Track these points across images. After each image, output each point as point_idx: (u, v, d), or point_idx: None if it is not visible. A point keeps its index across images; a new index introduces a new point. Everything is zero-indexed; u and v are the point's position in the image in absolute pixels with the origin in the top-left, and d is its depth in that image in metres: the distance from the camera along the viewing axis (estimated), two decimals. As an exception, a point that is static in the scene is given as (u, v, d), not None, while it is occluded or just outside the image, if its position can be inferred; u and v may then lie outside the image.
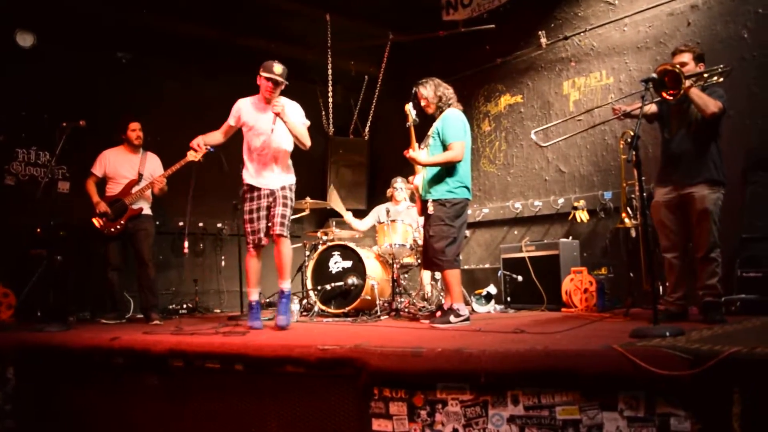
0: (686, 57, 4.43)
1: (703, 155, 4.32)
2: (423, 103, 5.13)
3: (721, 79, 4.36)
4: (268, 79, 4.82)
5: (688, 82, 4.09)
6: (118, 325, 5.70)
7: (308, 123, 5.10)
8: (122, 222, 6.01)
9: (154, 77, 7.78)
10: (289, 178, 5.10)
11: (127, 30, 7.46)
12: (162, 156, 6.40)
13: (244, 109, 5.04)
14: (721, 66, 4.39)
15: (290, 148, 5.08)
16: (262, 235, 4.94)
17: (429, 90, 5.08)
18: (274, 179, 4.99)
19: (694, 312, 4.55)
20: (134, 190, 6.09)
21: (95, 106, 6.91)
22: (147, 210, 6.22)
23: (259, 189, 4.97)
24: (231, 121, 5.08)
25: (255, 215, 4.95)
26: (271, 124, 4.81)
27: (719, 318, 4.10)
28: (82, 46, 7.26)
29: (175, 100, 7.85)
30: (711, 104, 4.20)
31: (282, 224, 4.90)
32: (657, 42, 6.34)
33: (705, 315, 4.21)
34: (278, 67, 4.82)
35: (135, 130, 6.23)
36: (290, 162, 5.14)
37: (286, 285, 5.01)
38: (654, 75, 4.06)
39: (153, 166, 6.31)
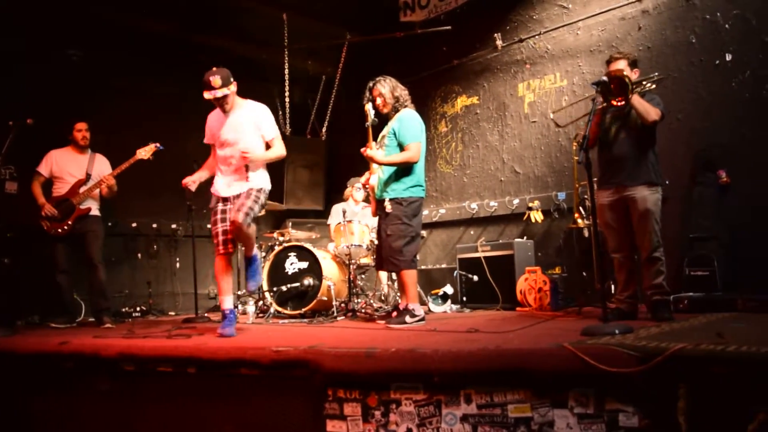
0: (622, 64, 4.52)
1: (642, 158, 4.43)
2: (379, 102, 5.09)
3: (654, 86, 4.50)
4: (208, 99, 4.62)
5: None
6: (68, 329, 5.55)
7: (277, 132, 4.90)
8: (69, 222, 5.84)
9: (105, 75, 7.59)
10: (261, 182, 4.81)
11: (78, 26, 7.28)
12: (114, 154, 6.24)
13: (211, 120, 4.90)
14: (657, 74, 4.57)
15: (261, 148, 4.83)
16: (228, 237, 4.66)
17: (386, 89, 5.05)
18: (244, 185, 4.75)
19: (644, 309, 4.65)
20: (82, 189, 5.94)
21: (45, 104, 6.71)
22: (95, 211, 6.06)
23: (227, 199, 4.74)
24: (206, 139, 4.93)
25: (221, 217, 4.70)
26: (240, 132, 4.69)
27: (668, 316, 4.19)
28: (30, 43, 7.06)
29: (128, 98, 7.69)
30: (652, 112, 4.32)
31: (239, 210, 4.56)
32: (609, 46, 6.46)
33: (654, 313, 4.30)
34: (216, 79, 4.53)
35: (81, 131, 6.08)
36: (263, 167, 4.90)
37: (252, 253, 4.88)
38: (605, 78, 4.15)
39: (101, 167, 6.15)
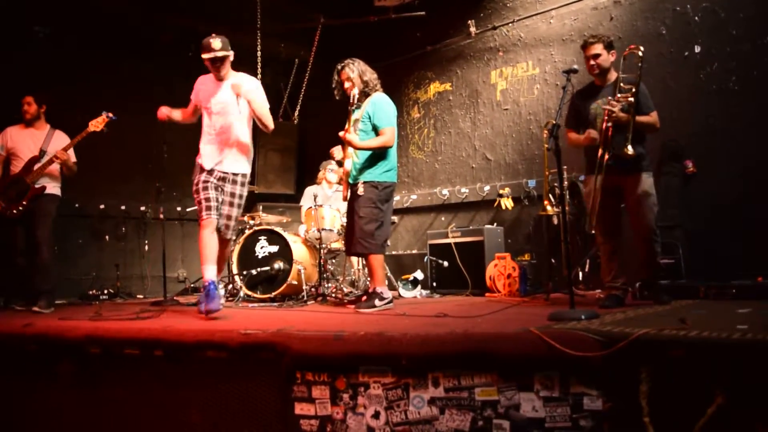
0: (598, 48, 4.49)
1: (635, 144, 4.37)
2: (347, 85, 5.03)
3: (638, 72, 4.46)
4: (208, 59, 4.64)
5: (621, 115, 4.23)
6: (28, 312, 5.41)
7: (268, 104, 4.92)
8: (24, 203, 5.55)
9: (73, 54, 7.43)
10: (244, 165, 4.84)
11: (46, 2, 7.11)
12: (76, 135, 6.09)
13: (201, 85, 4.86)
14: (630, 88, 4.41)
15: (247, 130, 4.86)
16: (213, 204, 4.61)
17: (354, 73, 5.00)
18: (227, 162, 4.74)
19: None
20: (36, 167, 5.65)
21: (10, 82, 6.55)
22: (54, 189, 5.77)
23: (212, 171, 4.70)
24: (192, 96, 4.89)
25: (203, 185, 4.64)
26: (231, 104, 4.67)
27: (668, 299, 4.29)
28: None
29: (97, 78, 7.53)
30: (655, 123, 4.39)
31: (227, 226, 4.73)
32: (581, 35, 6.50)
33: (657, 296, 4.38)
34: (216, 42, 4.59)
35: (24, 104, 5.80)
36: (250, 146, 4.90)
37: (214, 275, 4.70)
38: (575, 66, 4.17)
39: (58, 143, 5.81)
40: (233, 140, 4.76)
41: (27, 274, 5.72)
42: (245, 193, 4.89)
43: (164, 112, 4.88)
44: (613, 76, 4.52)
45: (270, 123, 4.86)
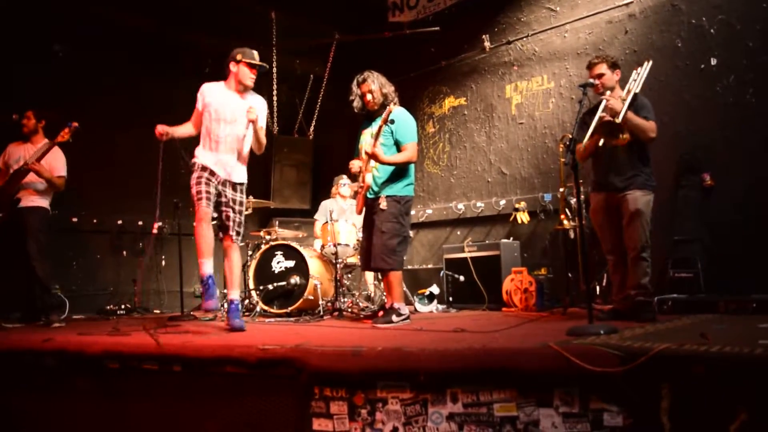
0: (602, 68, 4.59)
1: (635, 163, 4.47)
2: (369, 98, 5.01)
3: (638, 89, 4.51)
4: (252, 66, 4.71)
5: (622, 115, 4.24)
6: (33, 326, 5.40)
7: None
8: (1, 214, 5.49)
9: (90, 71, 7.53)
10: (243, 175, 4.83)
11: (63, 21, 7.22)
12: (96, 150, 6.14)
13: (211, 92, 4.79)
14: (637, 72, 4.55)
15: (250, 140, 4.87)
16: (212, 200, 4.60)
17: (375, 85, 4.99)
18: (230, 170, 4.73)
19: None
20: (15, 179, 5.62)
21: (29, 100, 6.64)
22: (37, 202, 5.74)
23: (214, 173, 4.66)
24: (198, 105, 4.81)
25: (204, 180, 4.59)
26: (244, 116, 4.70)
27: (650, 316, 4.23)
28: (15, 38, 6.99)
29: (113, 94, 7.62)
30: (648, 130, 4.39)
31: (238, 232, 4.71)
32: (596, 48, 6.51)
33: (637, 314, 4.32)
34: (256, 54, 4.74)
35: (24, 119, 5.83)
36: (246, 156, 4.90)
37: (235, 294, 4.72)
38: (591, 80, 4.19)
39: (49, 158, 5.72)
40: (240, 150, 4.78)
41: (25, 291, 5.70)
42: (244, 200, 4.89)
43: (162, 130, 4.72)
44: (617, 93, 4.55)
45: (263, 147, 4.90)
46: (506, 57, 7.44)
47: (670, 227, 5.56)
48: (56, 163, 5.80)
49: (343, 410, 3.01)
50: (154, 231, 5.98)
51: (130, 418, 3.71)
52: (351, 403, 3.00)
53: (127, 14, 7.51)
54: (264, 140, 4.84)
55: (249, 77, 4.76)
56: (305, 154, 9.25)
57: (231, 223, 4.69)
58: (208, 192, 4.58)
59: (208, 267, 4.51)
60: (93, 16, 7.31)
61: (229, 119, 4.72)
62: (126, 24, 7.62)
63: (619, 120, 4.16)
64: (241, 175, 4.82)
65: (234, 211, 4.73)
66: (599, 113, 4.33)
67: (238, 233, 4.73)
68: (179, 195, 6.50)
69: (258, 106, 4.81)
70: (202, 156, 4.73)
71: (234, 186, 4.77)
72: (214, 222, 4.73)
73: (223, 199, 4.70)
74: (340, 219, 6.36)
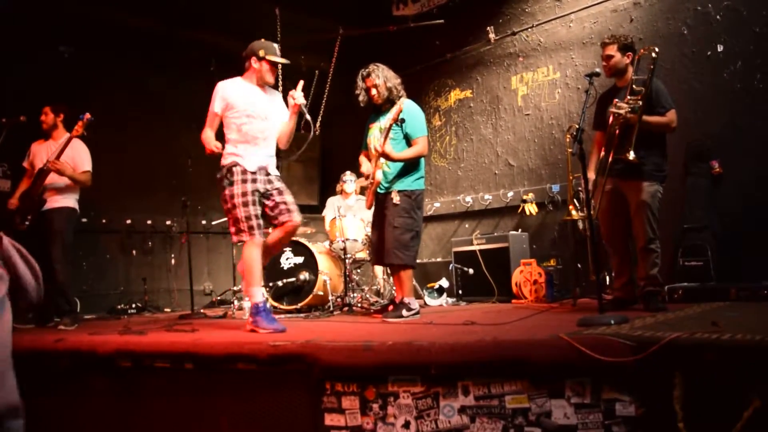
0: (612, 50, 4.52)
1: (646, 152, 4.37)
2: (374, 93, 4.98)
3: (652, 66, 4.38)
4: (275, 64, 4.54)
5: (629, 116, 4.22)
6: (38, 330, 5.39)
7: None
8: (29, 217, 5.39)
9: (96, 71, 7.54)
10: (276, 167, 4.66)
11: (68, 22, 7.24)
12: (106, 151, 6.14)
13: (234, 91, 4.47)
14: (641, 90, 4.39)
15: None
16: (261, 221, 4.33)
17: (380, 80, 4.94)
18: (271, 167, 4.55)
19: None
20: (42, 180, 5.48)
21: (37, 101, 6.67)
22: (63, 202, 5.58)
23: (254, 173, 4.38)
24: (217, 109, 4.45)
25: (251, 198, 4.31)
26: (272, 110, 4.55)
27: (661, 306, 4.21)
28: (22, 40, 7.02)
29: (119, 94, 7.63)
30: (668, 124, 4.35)
31: (298, 211, 4.51)
32: (601, 38, 6.44)
33: (646, 304, 4.31)
34: (277, 47, 4.56)
35: (41, 115, 5.73)
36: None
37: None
38: (597, 70, 4.16)
39: (71, 153, 5.53)
40: (273, 144, 4.61)
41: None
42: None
43: (215, 148, 4.40)
44: (630, 76, 4.50)
45: (291, 140, 4.72)
46: (511, 48, 7.41)
47: (680, 215, 5.54)
48: (78, 158, 5.61)
49: (355, 405, 3.02)
50: (183, 241, 5.91)
51: (145, 416, 3.74)
52: (362, 397, 3.01)
53: (131, 13, 7.51)
54: (293, 132, 4.65)
55: (272, 74, 4.59)
56: (312, 149, 9.23)
57: (292, 207, 4.48)
58: (258, 216, 4.31)
59: (260, 295, 4.31)
60: (96, 16, 7.31)
61: (263, 116, 4.49)
62: (130, 23, 7.62)
63: (630, 157, 4.16)
64: (276, 167, 4.66)
65: (288, 193, 4.54)
66: (612, 126, 4.29)
67: (298, 211, 4.53)
68: (188, 194, 6.52)
69: (280, 98, 4.70)
70: (243, 157, 4.40)
71: (275, 177, 4.57)
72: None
73: (272, 191, 4.49)
74: (347, 214, 6.36)
